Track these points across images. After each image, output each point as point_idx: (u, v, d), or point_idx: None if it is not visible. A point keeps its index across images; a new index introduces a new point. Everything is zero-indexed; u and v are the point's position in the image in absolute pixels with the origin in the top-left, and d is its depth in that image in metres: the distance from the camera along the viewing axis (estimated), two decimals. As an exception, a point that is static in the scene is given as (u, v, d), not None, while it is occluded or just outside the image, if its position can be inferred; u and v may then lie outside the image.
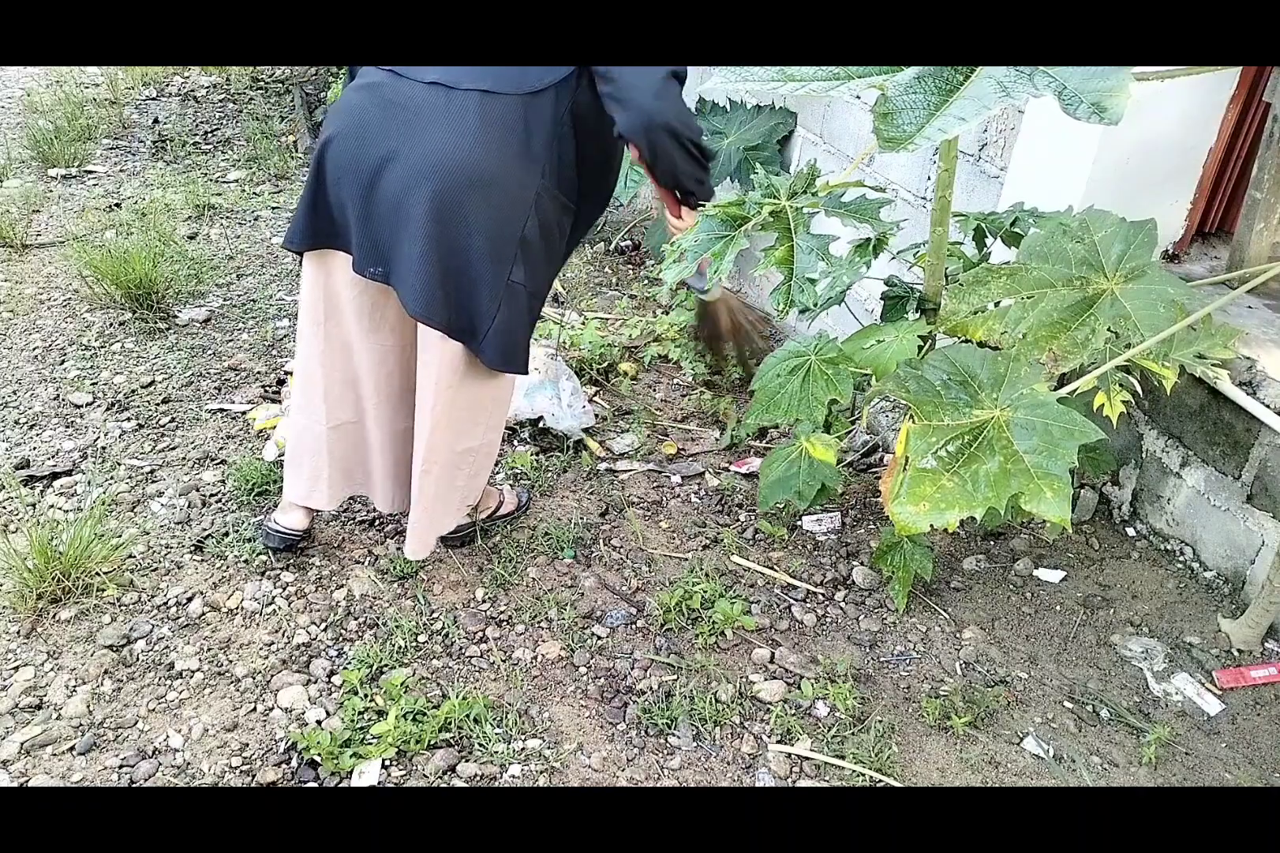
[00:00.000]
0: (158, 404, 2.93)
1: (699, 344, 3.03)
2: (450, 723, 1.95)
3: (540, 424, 2.81)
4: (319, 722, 1.97)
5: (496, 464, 2.71)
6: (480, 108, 1.79)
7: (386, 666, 2.09)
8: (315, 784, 1.86)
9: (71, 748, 1.91)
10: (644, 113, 1.79)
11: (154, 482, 2.62)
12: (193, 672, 2.08)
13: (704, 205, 2.06)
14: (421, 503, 2.14)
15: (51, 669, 2.07)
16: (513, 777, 1.88)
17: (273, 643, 2.15)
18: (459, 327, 1.91)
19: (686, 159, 1.90)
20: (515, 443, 2.81)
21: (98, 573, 2.25)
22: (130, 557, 2.35)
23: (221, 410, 2.92)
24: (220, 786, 1.85)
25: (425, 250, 1.83)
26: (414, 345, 2.02)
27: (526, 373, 2.06)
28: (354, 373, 2.11)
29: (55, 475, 2.63)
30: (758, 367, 2.76)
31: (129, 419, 2.86)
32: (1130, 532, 2.47)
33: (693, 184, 2.00)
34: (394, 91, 1.82)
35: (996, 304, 1.96)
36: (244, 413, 2.91)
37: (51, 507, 2.51)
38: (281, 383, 3.04)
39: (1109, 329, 1.87)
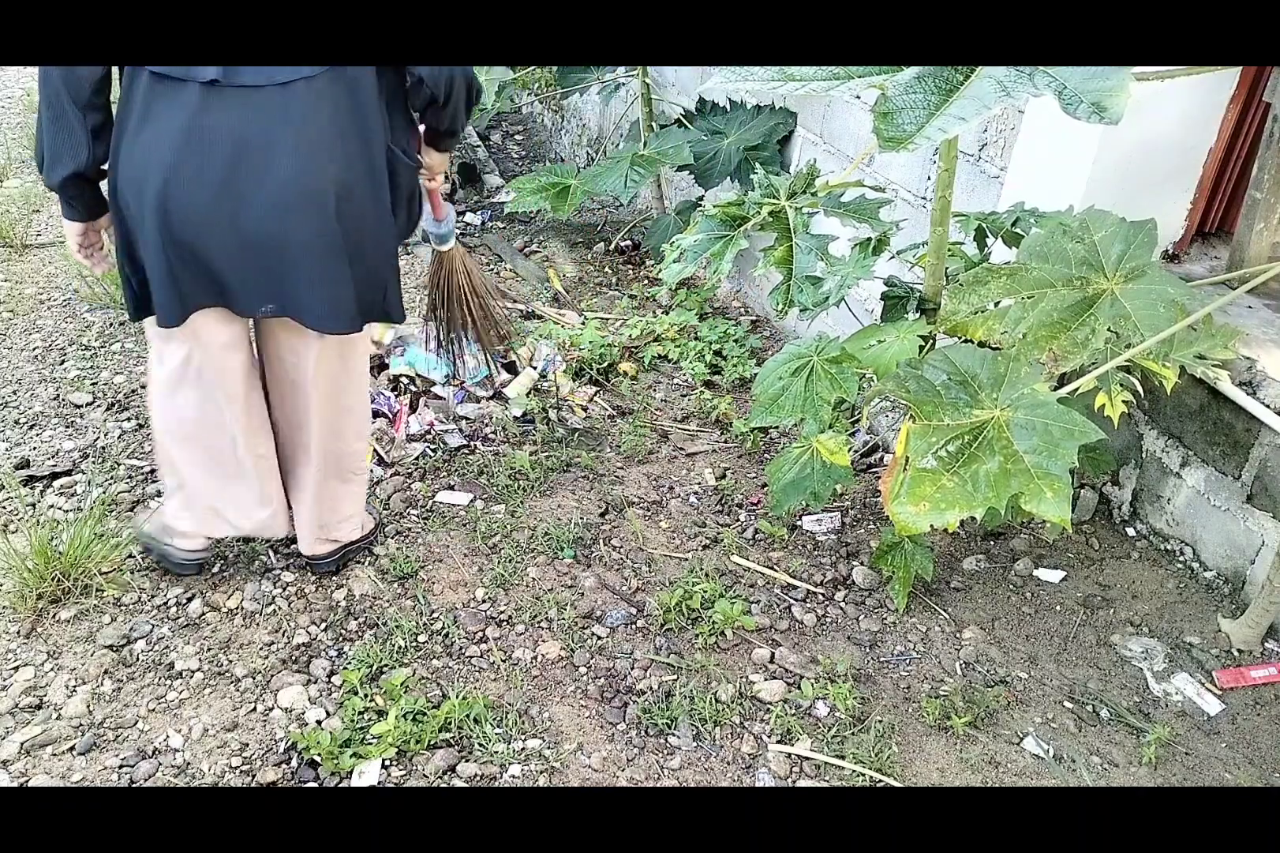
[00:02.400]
0: (158, 404, 2.93)
1: (432, 302, 2.73)
2: (450, 723, 1.95)
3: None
4: (319, 722, 1.97)
5: (501, 457, 2.71)
6: (305, 104, 1.72)
7: (386, 666, 2.09)
8: (315, 784, 1.86)
9: (71, 748, 1.91)
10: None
11: (154, 482, 2.61)
12: (193, 672, 2.07)
13: (451, 150, 2.09)
14: (338, 487, 2.21)
15: (51, 669, 2.07)
16: (513, 777, 1.88)
17: (273, 643, 2.15)
18: (371, 316, 1.97)
19: (466, 110, 1.91)
20: (512, 443, 2.82)
21: (97, 573, 2.25)
22: (130, 557, 2.35)
23: (221, 410, 2.92)
24: (220, 786, 1.85)
25: (326, 268, 1.82)
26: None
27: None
28: (262, 414, 2.09)
29: (55, 475, 2.62)
30: (495, 335, 2.74)
31: (129, 419, 2.86)
32: (1130, 532, 2.47)
33: (460, 129, 1.99)
34: (202, 128, 1.72)
35: (996, 304, 1.96)
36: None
37: (51, 507, 2.51)
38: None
39: (1109, 329, 1.87)
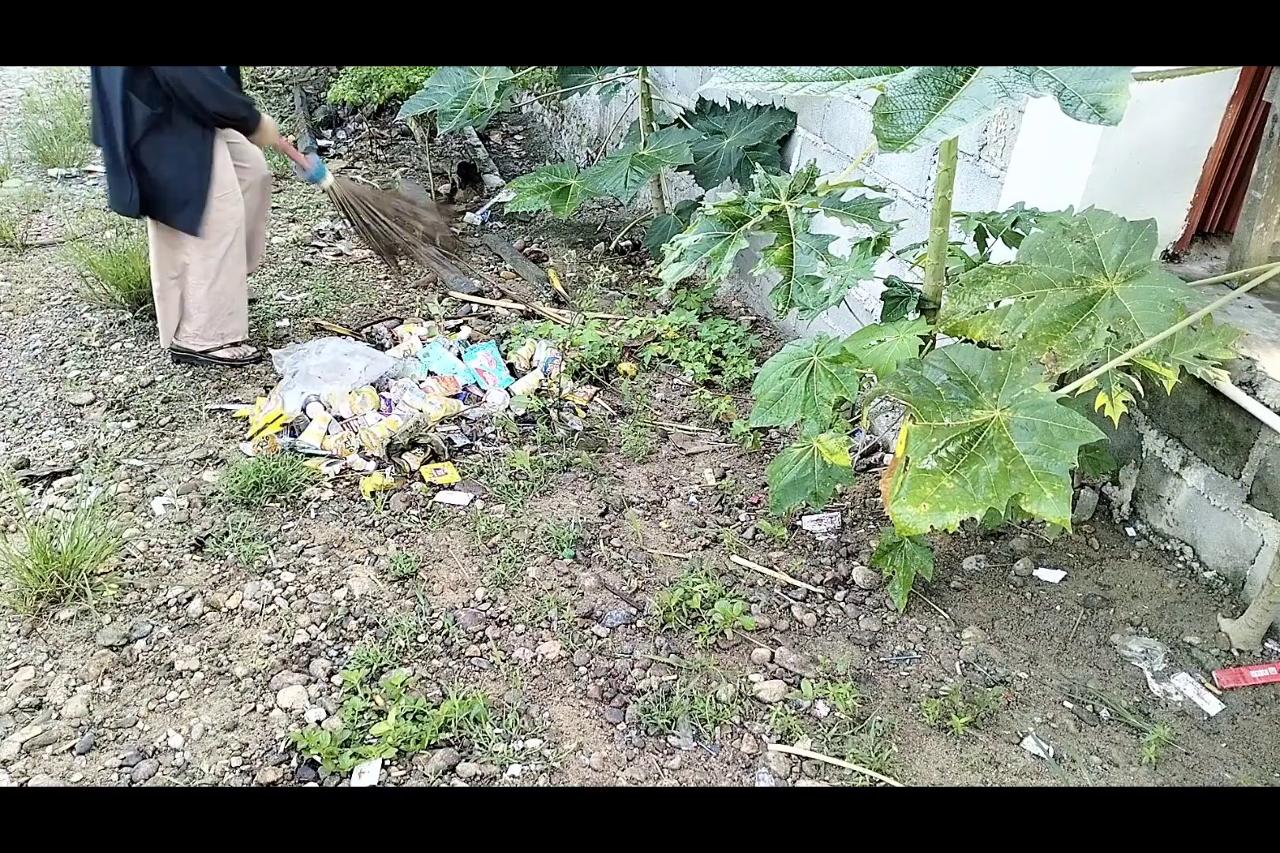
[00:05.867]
0: (158, 404, 2.93)
1: (355, 227, 3.19)
2: (450, 723, 1.95)
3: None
4: (319, 722, 1.97)
5: (501, 457, 2.71)
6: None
7: (386, 666, 2.09)
8: (315, 784, 1.86)
9: (71, 748, 1.91)
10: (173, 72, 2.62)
11: (154, 482, 2.62)
12: (193, 672, 2.07)
13: (255, 132, 2.80)
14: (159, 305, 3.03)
15: (51, 669, 2.07)
16: (513, 777, 1.88)
17: (273, 643, 2.15)
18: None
19: (210, 98, 2.63)
20: (512, 443, 2.81)
21: (97, 573, 2.25)
22: (130, 557, 2.35)
23: (221, 410, 2.92)
24: (220, 786, 1.85)
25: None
26: None
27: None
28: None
29: (55, 475, 2.63)
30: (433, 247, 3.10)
31: (129, 419, 2.86)
32: (1130, 532, 2.47)
33: (213, 112, 2.68)
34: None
35: (996, 304, 1.96)
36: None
37: (51, 507, 2.51)
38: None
39: (1109, 329, 1.87)
